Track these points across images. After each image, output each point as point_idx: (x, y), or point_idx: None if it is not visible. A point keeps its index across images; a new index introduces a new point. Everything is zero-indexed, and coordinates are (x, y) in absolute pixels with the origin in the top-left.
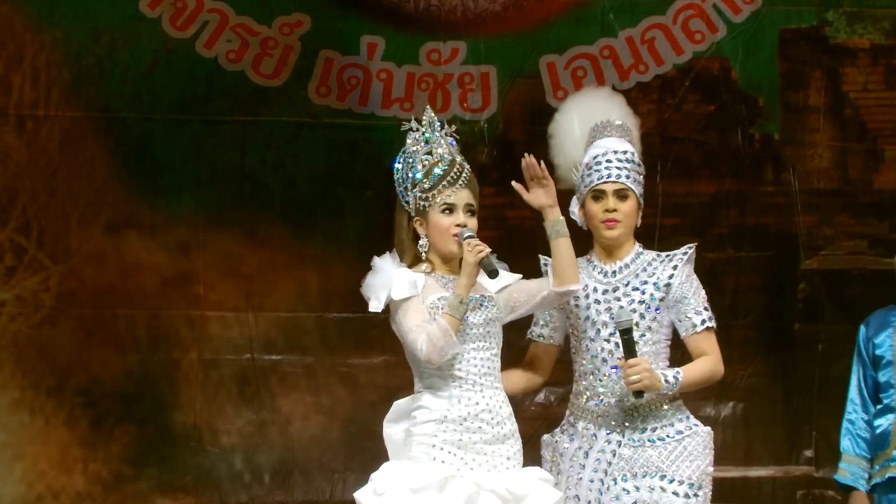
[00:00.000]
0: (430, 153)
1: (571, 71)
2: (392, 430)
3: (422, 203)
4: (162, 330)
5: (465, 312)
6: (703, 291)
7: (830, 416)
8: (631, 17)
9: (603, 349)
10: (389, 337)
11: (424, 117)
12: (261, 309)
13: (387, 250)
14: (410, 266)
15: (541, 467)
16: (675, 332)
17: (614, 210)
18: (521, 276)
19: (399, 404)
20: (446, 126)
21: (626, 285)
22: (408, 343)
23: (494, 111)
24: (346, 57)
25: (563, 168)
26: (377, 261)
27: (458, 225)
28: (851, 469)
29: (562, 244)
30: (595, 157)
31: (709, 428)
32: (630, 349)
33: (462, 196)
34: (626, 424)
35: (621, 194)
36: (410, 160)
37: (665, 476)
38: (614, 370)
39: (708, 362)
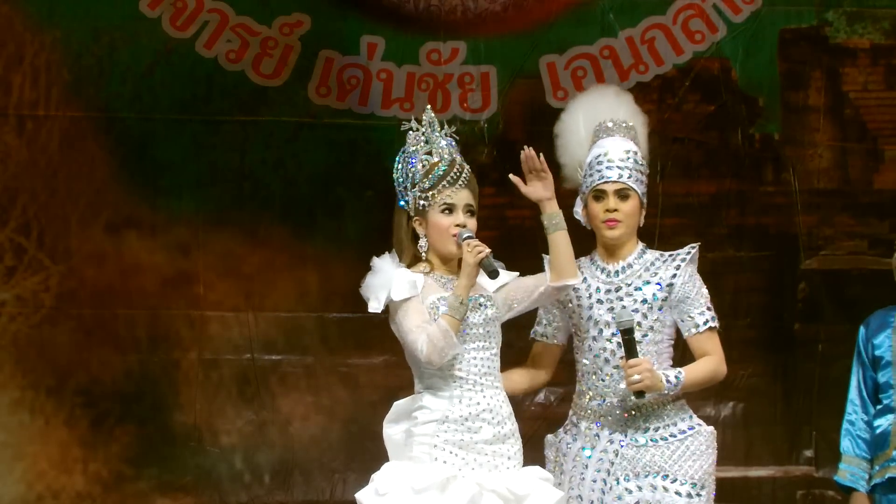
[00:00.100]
0: (429, 153)
1: (571, 71)
2: (392, 431)
3: (421, 203)
4: (162, 330)
5: (465, 313)
6: (706, 291)
7: (830, 416)
8: (631, 17)
9: (605, 349)
10: (389, 337)
11: (424, 117)
12: (261, 309)
13: (386, 250)
14: (409, 266)
15: (542, 467)
16: (679, 332)
17: (615, 210)
18: (517, 273)
19: (399, 405)
20: (446, 126)
21: (629, 285)
22: (408, 344)
23: (494, 111)
24: (346, 57)
25: (569, 168)
26: (376, 261)
27: (457, 225)
28: (851, 470)
29: (559, 238)
30: (597, 157)
31: (712, 427)
32: (631, 349)
33: (462, 196)
34: (629, 424)
35: (622, 194)
36: (410, 160)
37: (668, 476)
38: (617, 370)
39: (710, 362)
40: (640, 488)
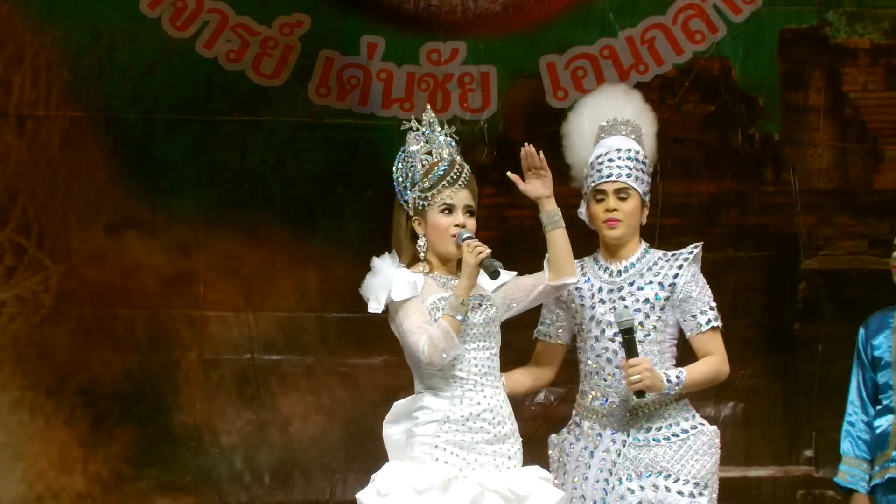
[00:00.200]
0: (429, 153)
1: (571, 71)
2: (392, 431)
3: (421, 202)
4: (162, 330)
5: (466, 313)
6: (710, 291)
7: (830, 416)
8: (631, 17)
9: (607, 349)
10: (389, 337)
11: (424, 117)
12: (261, 309)
13: (386, 250)
14: (408, 266)
15: (542, 467)
16: (682, 332)
17: (614, 210)
18: (516, 273)
19: (399, 405)
20: (446, 126)
21: (631, 284)
22: (409, 344)
23: (494, 111)
24: (346, 57)
25: (576, 168)
26: (376, 261)
27: (456, 225)
28: (851, 472)
29: (557, 235)
30: (598, 157)
31: (715, 427)
32: (631, 349)
33: (461, 196)
34: (631, 424)
35: (622, 194)
36: (410, 159)
37: (670, 475)
38: (619, 370)
39: (712, 362)
40: (642, 488)
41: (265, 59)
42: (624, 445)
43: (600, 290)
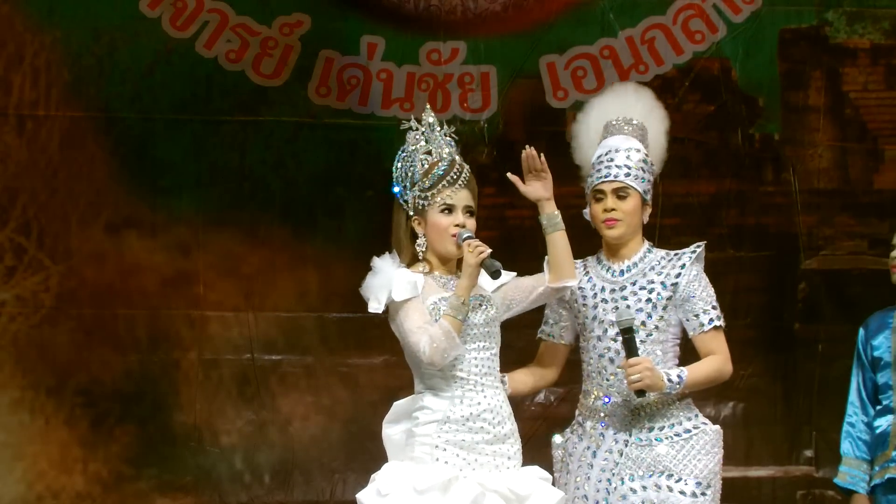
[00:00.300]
0: (429, 153)
1: (571, 71)
2: (391, 431)
3: (420, 202)
4: (162, 330)
5: (466, 313)
6: (712, 290)
7: (830, 416)
8: (631, 17)
9: (610, 349)
10: (389, 337)
11: (424, 117)
12: (261, 309)
13: (386, 250)
14: (408, 265)
15: (542, 467)
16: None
17: (613, 209)
18: (515, 273)
19: (399, 405)
20: (445, 126)
21: (634, 284)
22: (410, 345)
23: (494, 111)
24: (346, 57)
25: (585, 169)
26: (377, 261)
27: (457, 225)
28: (851, 472)
29: (557, 238)
30: (599, 157)
31: (718, 426)
32: (631, 348)
33: (461, 196)
34: (634, 424)
35: (620, 193)
36: (410, 159)
37: (672, 475)
38: (621, 370)
39: (715, 361)
40: (644, 488)
41: (265, 59)
42: (626, 445)
43: (602, 289)
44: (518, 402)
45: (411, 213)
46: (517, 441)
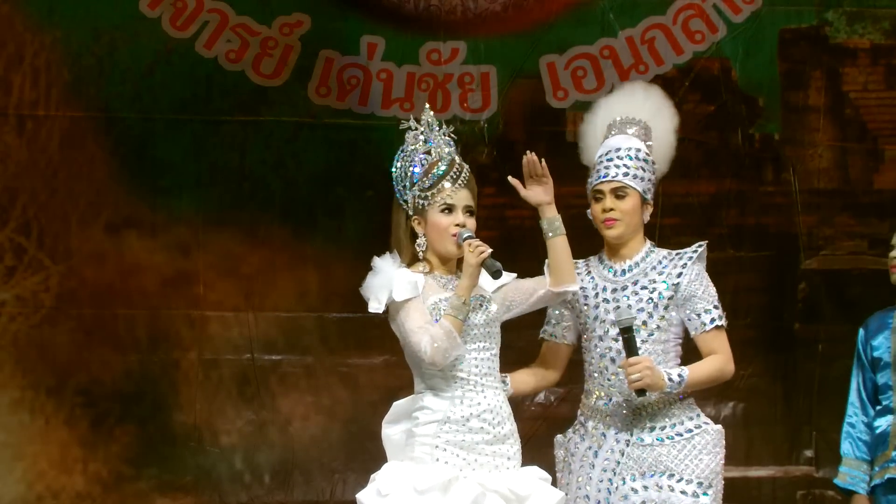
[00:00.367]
0: (428, 152)
1: (571, 71)
2: (391, 431)
3: (420, 202)
4: (162, 330)
5: (467, 313)
6: (714, 290)
7: (830, 416)
8: (631, 17)
9: (611, 348)
10: (389, 337)
11: (423, 117)
12: (261, 309)
13: (387, 250)
14: (408, 265)
15: (542, 467)
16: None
17: (611, 209)
18: (515, 275)
19: (398, 405)
20: (444, 126)
21: (635, 284)
22: (411, 345)
23: (494, 111)
24: (346, 57)
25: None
26: (377, 261)
27: (457, 225)
28: (851, 473)
29: (558, 243)
30: (599, 157)
31: (720, 426)
32: (631, 347)
33: (461, 196)
34: (635, 423)
35: (619, 193)
36: (409, 159)
37: (674, 475)
38: (623, 370)
39: (716, 361)
40: (646, 488)
41: (265, 59)
42: (628, 445)
43: (604, 289)
44: (518, 402)
45: (411, 213)
46: (517, 441)
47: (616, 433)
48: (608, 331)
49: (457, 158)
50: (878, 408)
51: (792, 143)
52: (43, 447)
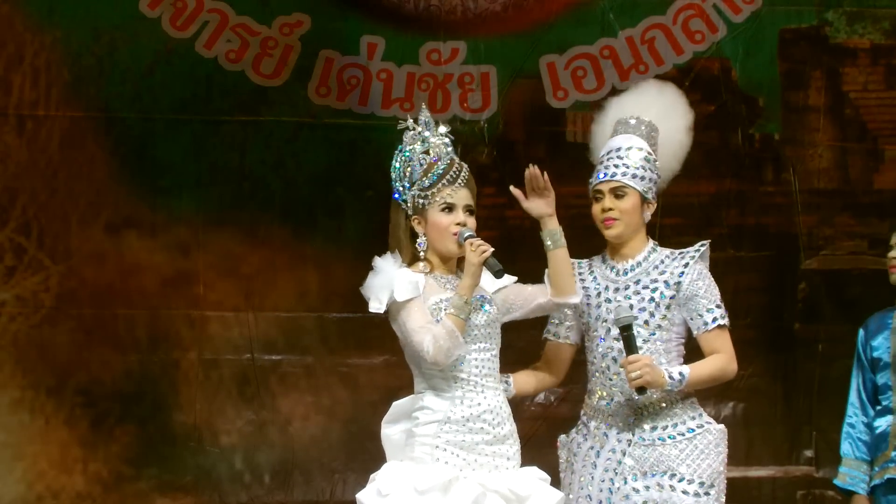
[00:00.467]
0: (427, 152)
1: (571, 71)
2: (391, 431)
3: (420, 202)
4: (162, 330)
5: (469, 313)
6: (717, 289)
7: (830, 416)
8: (631, 17)
9: (613, 348)
10: (389, 337)
11: (421, 116)
12: (261, 309)
13: (387, 250)
14: (409, 265)
15: (542, 467)
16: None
17: (610, 209)
18: (516, 278)
19: (398, 405)
20: (442, 125)
21: (637, 283)
22: (413, 344)
23: (494, 111)
24: (346, 57)
25: None
26: (378, 261)
27: (457, 224)
28: (851, 473)
29: (559, 255)
30: (600, 157)
31: (722, 426)
32: (630, 346)
33: (461, 195)
34: (637, 423)
35: (618, 192)
36: (408, 158)
37: (675, 475)
38: (624, 369)
39: (718, 360)
40: (647, 488)
41: (265, 59)
42: (629, 445)
43: (606, 288)
44: (518, 403)
45: (410, 213)
46: (516, 442)
47: (618, 433)
48: (609, 330)
49: (455, 158)
50: (878, 408)
51: (792, 143)
52: (43, 447)
